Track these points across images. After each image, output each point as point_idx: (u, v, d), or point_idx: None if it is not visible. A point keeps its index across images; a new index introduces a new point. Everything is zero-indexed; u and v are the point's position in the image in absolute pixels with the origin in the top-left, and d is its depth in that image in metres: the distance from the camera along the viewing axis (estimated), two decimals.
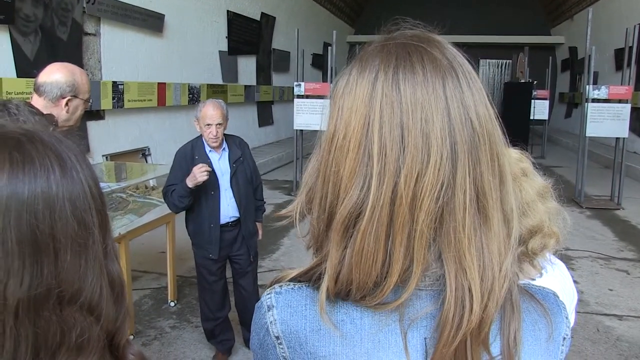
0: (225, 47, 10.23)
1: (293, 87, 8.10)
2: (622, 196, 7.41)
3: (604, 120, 7.30)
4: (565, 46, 18.87)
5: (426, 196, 0.56)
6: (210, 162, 2.93)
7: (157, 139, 7.76)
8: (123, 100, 6.87)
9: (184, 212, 3.10)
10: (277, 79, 13.36)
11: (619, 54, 11.07)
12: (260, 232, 3.24)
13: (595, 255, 5.32)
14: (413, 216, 0.56)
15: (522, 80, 13.59)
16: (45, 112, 1.92)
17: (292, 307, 0.61)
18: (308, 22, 14.49)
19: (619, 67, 10.80)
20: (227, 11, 10.21)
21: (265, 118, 12.64)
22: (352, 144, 0.58)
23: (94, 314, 0.54)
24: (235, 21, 10.50)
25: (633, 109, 7.73)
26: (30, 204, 0.50)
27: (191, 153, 2.96)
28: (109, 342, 0.57)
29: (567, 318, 0.68)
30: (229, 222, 3.02)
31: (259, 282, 3.28)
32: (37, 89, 2.07)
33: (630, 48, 7.33)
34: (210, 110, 2.87)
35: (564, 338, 0.66)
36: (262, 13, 11.87)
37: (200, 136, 2.98)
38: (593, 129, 7.35)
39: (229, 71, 10.46)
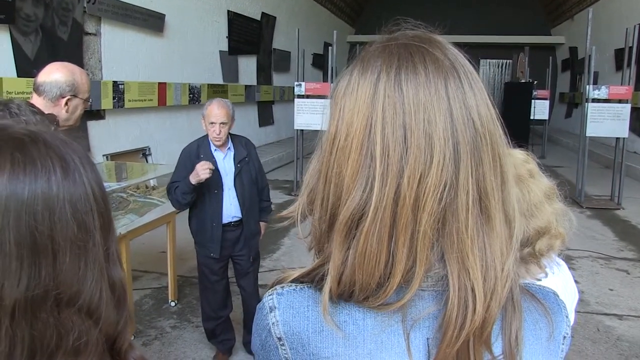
0: (225, 47, 10.22)
1: (293, 87, 8.11)
2: (622, 196, 7.41)
3: (604, 120, 7.30)
4: (566, 46, 18.85)
5: (429, 197, 0.55)
6: (215, 160, 2.94)
7: (157, 138, 7.75)
8: (123, 100, 6.87)
9: (186, 212, 3.11)
10: (278, 79, 13.35)
11: (619, 54, 11.06)
12: (262, 232, 3.23)
13: (595, 255, 5.32)
14: (416, 217, 0.56)
15: (523, 80, 13.59)
16: (45, 112, 1.92)
17: (294, 309, 0.61)
18: (308, 22, 14.48)
19: (619, 67, 10.79)
20: (228, 11, 10.20)
21: (265, 118, 12.63)
22: (354, 145, 0.57)
23: (93, 317, 0.54)
24: (235, 21, 10.49)
25: (633, 109, 7.73)
26: (29, 205, 0.50)
27: (197, 151, 2.97)
28: (110, 347, 0.57)
29: (567, 317, 0.68)
30: (231, 222, 3.02)
31: (260, 282, 3.28)
32: (37, 89, 2.07)
33: (630, 48, 7.33)
34: (215, 109, 2.88)
35: (564, 337, 0.66)
36: (262, 13, 11.86)
37: (207, 135, 2.99)
38: (593, 129, 7.35)
39: (230, 71, 10.44)
